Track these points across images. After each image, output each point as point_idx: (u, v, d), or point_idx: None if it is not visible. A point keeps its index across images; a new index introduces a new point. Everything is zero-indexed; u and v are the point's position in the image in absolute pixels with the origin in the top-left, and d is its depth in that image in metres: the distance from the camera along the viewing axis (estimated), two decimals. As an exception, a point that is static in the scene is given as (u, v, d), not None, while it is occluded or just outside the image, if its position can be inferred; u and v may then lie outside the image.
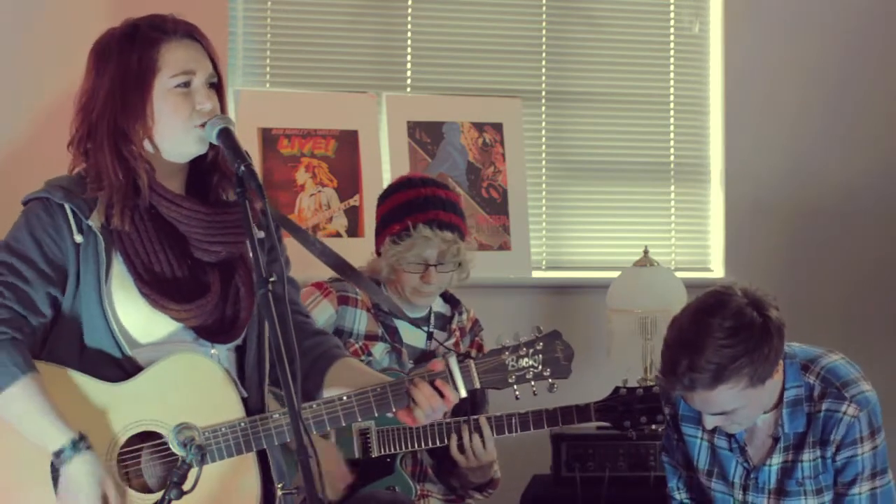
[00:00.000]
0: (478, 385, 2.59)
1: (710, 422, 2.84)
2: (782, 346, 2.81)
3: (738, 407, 2.78)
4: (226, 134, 2.45)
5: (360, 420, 2.57)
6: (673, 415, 3.05)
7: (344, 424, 2.56)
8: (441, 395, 2.56)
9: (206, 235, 2.53)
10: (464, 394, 2.58)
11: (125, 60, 2.50)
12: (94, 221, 2.48)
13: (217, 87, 2.56)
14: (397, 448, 3.29)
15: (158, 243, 2.50)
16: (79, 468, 2.38)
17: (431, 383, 2.56)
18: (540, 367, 2.63)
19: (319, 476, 2.19)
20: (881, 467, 2.89)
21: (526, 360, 2.62)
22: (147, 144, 2.51)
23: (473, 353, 3.49)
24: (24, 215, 2.50)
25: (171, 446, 2.45)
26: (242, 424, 2.49)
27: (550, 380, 2.65)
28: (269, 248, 2.57)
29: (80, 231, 2.47)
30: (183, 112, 2.49)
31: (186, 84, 2.50)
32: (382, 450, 3.28)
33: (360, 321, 3.40)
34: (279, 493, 2.46)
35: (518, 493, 3.94)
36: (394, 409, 2.57)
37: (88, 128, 2.52)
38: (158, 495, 2.44)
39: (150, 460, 2.48)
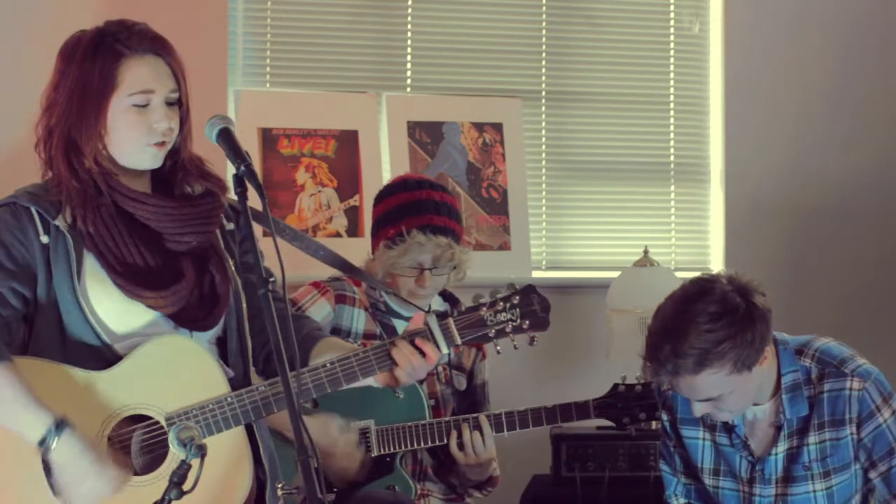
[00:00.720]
0: (458, 341, 2.61)
1: (698, 409, 2.83)
2: (768, 332, 2.81)
3: (725, 393, 2.77)
4: (226, 134, 2.45)
5: (344, 385, 2.58)
6: (671, 420, 3.05)
7: (329, 391, 2.57)
8: (422, 353, 2.59)
9: (176, 228, 2.56)
10: (445, 351, 2.61)
11: (86, 71, 2.51)
12: (61, 222, 2.51)
13: (180, 103, 2.57)
14: (397, 447, 3.29)
15: (129, 237, 2.53)
16: (65, 452, 2.39)
17: (412, 343, 2.59)
18: (518, 319, 2.64)
19: (319, 475, 2.20)
20: None
21: (504, 314, 2.64)
22: (104, 153, 2.53)
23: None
24: None
25: (171, 446, 2.45)
26: (229, 399, 2.52)
27: (530, 332, 2.67)
28: (241, 240, 2.61)
29: (47, 232, 2.50)
30: (138, 130, 2.51)
31: (144, 103, 2.51)
32: (382, 449, 3.28)
33: (359, 320, 3.40)
34: (279, 492, 2.47)
35: (518, 493, 3.94)
36: (377, 372, 2.59)
37: (48, 133, 2.55)
38: (146, 478, 2.47)
39: (139, 444, 2.50)
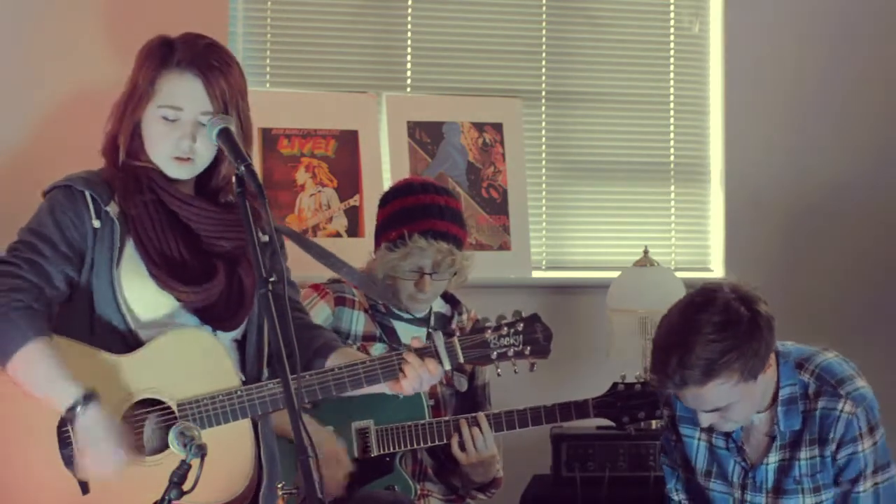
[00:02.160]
0: (461, 359, 2.69)
1: (704, 419, 2.84)
2: (773, 339, 2.81)
3: (732, 402, 2.78)
4: (225, 134, 2.50)
5: (350, 390, 2.66)
6: (671, 416, 3.06)
7: (335, 394, 2.67)
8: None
9: (214, 232, 2.65)
10: (448, 367, 2.68)
11: (136, 77, 2.64)
12: (112, 208, 2.60)
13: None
14: (396, 447, 3.29)
15: (171, 232, 2.62)
16: (90, 420, 2.47)
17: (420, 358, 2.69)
18: (521, 345, 2.73)
19: (319, 475, 2.21)
20: (882, 462, 2.90)
21: (507, 338, 2.72)
22: (145, 154, 2.64)
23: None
24: (46, 201, 2.63)
25: (171, 446, 2.51)
26: (239, 392, 2.59)
27: (531, 358, 2.75)
28: (272, 252, 2.66)
29: (98, 217, 2.59)
30: (163, 141, 2.61)
31: (171, 118, 2.60)
32: (382, 449, 3.29)
33: (358, 322, 3.40)
34: (279, 492, 2.48)
35: (518, 493, 3.94)
36: (381, 381, 2.67)
37: (108, 129, 2.67)
38: (156, 458, 2.54)
39: (153, 427, 2.58)
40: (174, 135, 2.59)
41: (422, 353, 2.67)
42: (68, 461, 2.52)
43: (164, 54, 2.61)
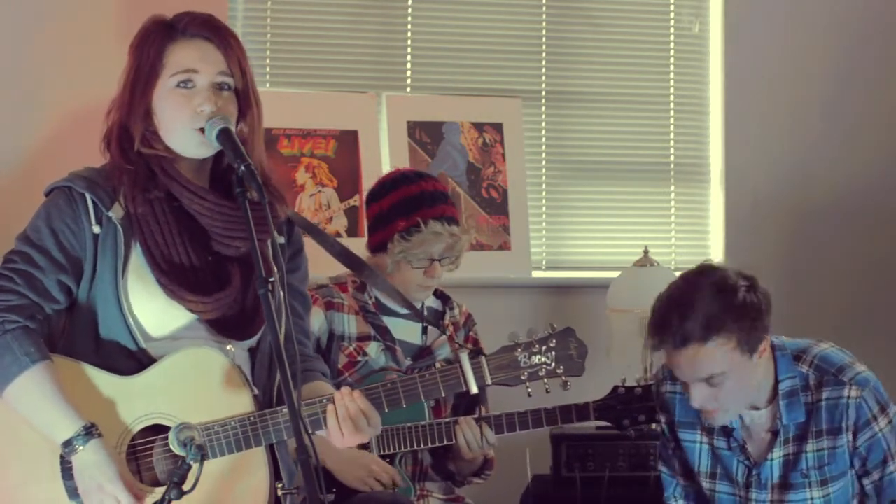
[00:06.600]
0: (489, 382, 2.57)
1: (696, 395, 2.81)
2: (768, 318, 2.83)
3: (726, 373, 2.77)
4: (225, 134, 2.44)
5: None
6: (669, 422, 3.05)
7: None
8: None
9: (227, 230, 2.52)
10: (474, 390, 2.56)
11: (137, 59, 2.52)
12: (115, 213, 2.48)
13: (237, 90, 2.53)
14: (397, 448, 3.29)
15: (179, 235, 2.50)
16: (90, 457, 2.37)
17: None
18: (553, 364, 2.60)
19: (319, 475, 2.20)
20: None
21: (539, 357, 2.60)
22: (159, 141, 2.51)
23: (468, 346, 3.51)
24: (44, 205, 2.52)
25: (171, 446, 2.42)
26: (252, 419, 2.48)
27: (564, 377, 2.62)
28: (290, 257, 2.61)
29: (99, 222, 2.48)
30: (182, 112, 2.48)
31: (187, 83, 2.48)
32: (382, 449, 3.28)
33: (350, 325, 3.40)
34: (279, 492, 2.46)
35: (518, 493, 3.94)
36: (404, 405, 2.56)
37: (109, 122, 2.55)
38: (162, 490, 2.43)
39: (162, 453, 2.48)
40: (194, 102, 2.46)
41: (447, 373, 2.55)
42: (72, 493, 2.42)
43: (166, 29, 2.51)
